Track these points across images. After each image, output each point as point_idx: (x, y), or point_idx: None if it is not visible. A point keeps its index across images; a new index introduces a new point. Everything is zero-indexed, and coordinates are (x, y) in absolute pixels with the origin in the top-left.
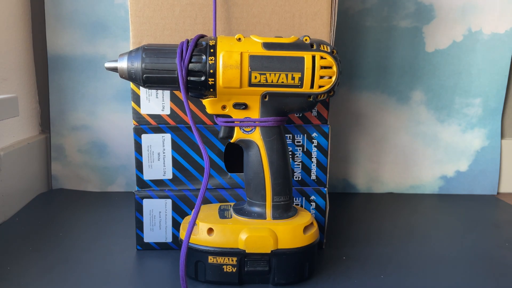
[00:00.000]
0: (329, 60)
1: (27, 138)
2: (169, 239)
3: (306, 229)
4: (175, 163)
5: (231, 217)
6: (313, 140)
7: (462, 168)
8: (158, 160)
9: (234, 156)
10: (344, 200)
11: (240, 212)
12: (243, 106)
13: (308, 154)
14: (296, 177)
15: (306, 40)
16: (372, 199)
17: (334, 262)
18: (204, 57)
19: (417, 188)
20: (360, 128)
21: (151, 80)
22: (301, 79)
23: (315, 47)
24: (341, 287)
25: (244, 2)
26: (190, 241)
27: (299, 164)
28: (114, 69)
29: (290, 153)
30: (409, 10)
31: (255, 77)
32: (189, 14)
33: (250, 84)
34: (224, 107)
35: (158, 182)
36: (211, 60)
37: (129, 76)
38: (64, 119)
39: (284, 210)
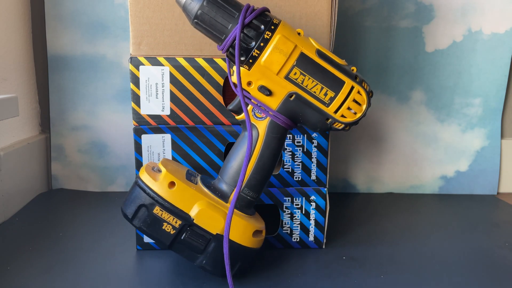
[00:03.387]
0: (363, 98)
1: (27, 138)
2: None
3: (256, 233)
4: None
5: (196, 183)
6: (313, 140)
7: (462, 168)
8: (158, 160)
9: None
10: (344, 200)
11: (206, 184)
12: (267, 92)
13: (308, 154)
14: (296, 177)
15: (353, 70)
16: (372, 199)
17: (334, 262)
18: (263, 27)
19: (417, 188)
20: (360, 128)
21: (203, 19)
22: (332, 99)
23: (358, 79)
24: (341, 287)
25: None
26: (146, 183)
27: (299, 164)
28: None
29: (290, 153)
30: (409, 10)
31: (295, 73)
32: None
33: (286, 77)
34: (249, 84)
35: None
36: (267, 34)
37: (184, 5)
38: (64, 119)
39: (246, 205)
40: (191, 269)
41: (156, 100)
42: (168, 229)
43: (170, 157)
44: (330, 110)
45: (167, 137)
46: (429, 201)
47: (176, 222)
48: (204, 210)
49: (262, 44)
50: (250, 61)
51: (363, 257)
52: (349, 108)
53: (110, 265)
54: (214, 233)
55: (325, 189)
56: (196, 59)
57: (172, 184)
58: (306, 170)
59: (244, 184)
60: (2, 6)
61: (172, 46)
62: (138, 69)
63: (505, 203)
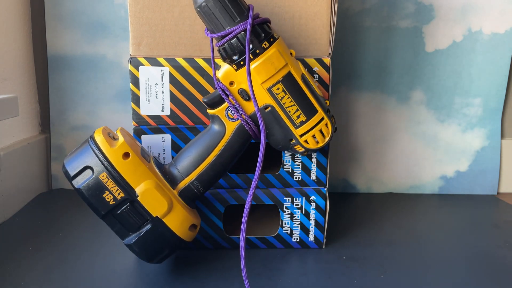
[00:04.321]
0: (329, 131)
1: (27, 138)
2: None
3: (192, 227)
4: None
5: (149, 162)
6: None
7: (462, 168)
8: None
9: None
10: (344, 200)
11: (159, 166)
12: (246, 97)
13: (308, 154)
14: (296, 177)
15: (327, 103)
16: (372, 199)
17: (334, 262)
18: (263, 36)
19: (417, 188)
20: (360, 128)
21: (205, 11)
22: (302, 123)
23: (329, 113)
24: (341, 287)
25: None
26: (100, 146)
27: (299, 164)
28: None
29: (290, 153)
30: (409, 10)
31: (278, 88)
32: (188, 15)
33: (269, 89)
34: (232, 83)
35: None
36: (265, 44)
37: None
38: (64, 119)
39: (191, 197)
40: (191, 269)
41: (156, 100)
42: (108, 198)
43: (170, 158)
44: (297, 132)
45: (167, 137)
46: (429, 201)
47: (119, 194)
48: (151, 190)
49: (258, 51)
50: (241, 63)
51: (363, 257)
52: (313, 136)
53: (110, 265)
54: (154, 215)
55: (325, 189)
56: (195, 59)
57: (126, 155)
58: (306, 170)
59: (196, 176)
60: (2, 6)
61: (172, 46)
62: (137, 70)
63: (505, 203)
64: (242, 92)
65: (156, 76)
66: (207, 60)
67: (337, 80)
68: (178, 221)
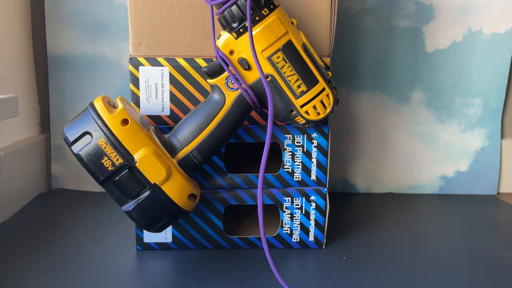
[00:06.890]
0: (330, 101)
1: (27, 138)
2: (169, 239)
3: (191, 196)
4: None
5: (149, 130)
6: (313, 141)
7: (462, 168)
8: None
9: (234, 156)
10: (344, 200)
11: (158, 135)
12: (247, 67)
13: (308, 154)
14: (296, 177)
15: (329, 74)
16: (372, 199)
17: (334, 262)
18: (263, 2)
19: (417, 188)
20: (360, 128)
21: None
22: (303, 93)
23: (330, 84)
24: (341, 287)
25: None
26: (99, 112)
27: (299, 164)
28: None
29: (290, 153)
30: (409, 10)
31: (278, 57)
32: (188, 15)
33: (269, 57)
34: (231, 52)
35: None
36: (265, 11)
37: None
38: (64, 119)
39: (190, 167)
40: (191, 269)
41: (156, 100)
42: (107, 164)
43: None
44: (297, 103)
45: None
46: (429, 201)
47: (117, 160)
48: (150, 157)
49: (257, 18)
50: (241, 30)
51: (363, 257)
52: (314, 107)
53: (110, 265)
54: (152, 182)
55: (325, 189)
56: (195, 59)
57: (125, 121)
58: (306, 170)
59: (195, 146)
60: (2, 6)
61: (172, 46)
62: (137, 70)
63: (505, 203)
64: (242, 61)
65: (156, 76)
66: (207, 60)
67: (337, 80)
68: (177, 189)
